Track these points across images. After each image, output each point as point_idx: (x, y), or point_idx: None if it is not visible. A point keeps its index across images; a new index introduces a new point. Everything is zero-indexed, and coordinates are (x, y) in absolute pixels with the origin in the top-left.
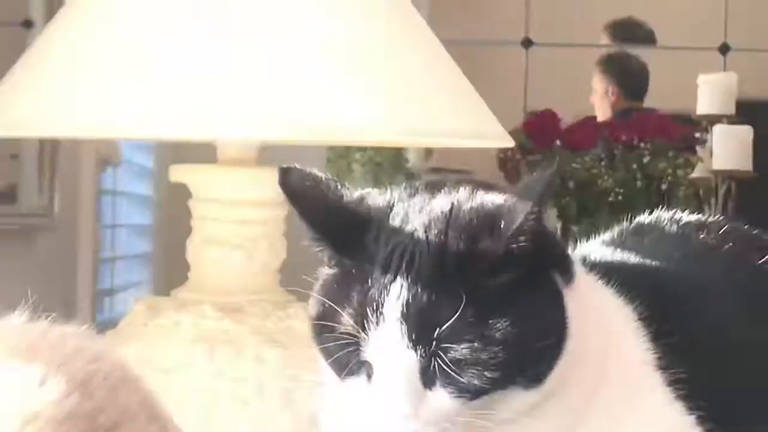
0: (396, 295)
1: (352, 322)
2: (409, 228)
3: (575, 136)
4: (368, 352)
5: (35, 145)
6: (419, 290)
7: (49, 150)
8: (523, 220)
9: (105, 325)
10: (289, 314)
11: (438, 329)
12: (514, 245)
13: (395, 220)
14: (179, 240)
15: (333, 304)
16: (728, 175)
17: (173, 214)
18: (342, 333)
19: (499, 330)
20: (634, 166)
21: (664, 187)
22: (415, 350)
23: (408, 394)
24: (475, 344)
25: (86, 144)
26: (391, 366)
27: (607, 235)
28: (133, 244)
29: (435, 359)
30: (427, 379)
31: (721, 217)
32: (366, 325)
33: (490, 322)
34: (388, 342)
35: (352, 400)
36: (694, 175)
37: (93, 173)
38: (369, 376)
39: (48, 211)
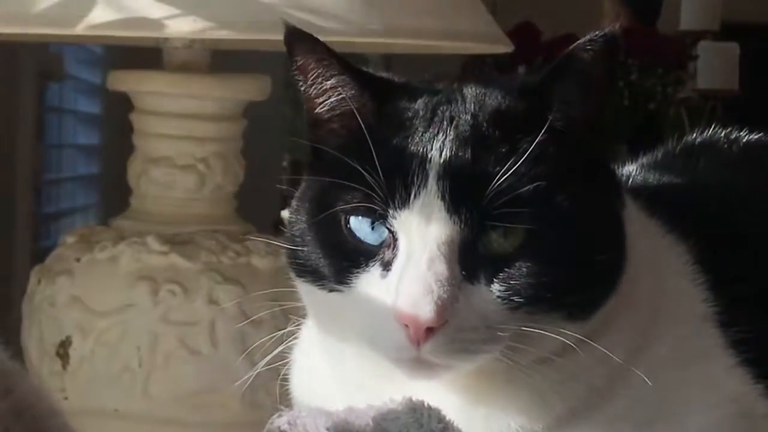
0: (438, 150)
1: (376, 184)
2: (449, 94)
3: (557, 51)
4: (397, 223)
5: None
6: (466, 145)
7: None
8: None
9: (48, 253)
10: (247, 248)
11: (489, 186)
12: (558, 85)
13: (433, 92)
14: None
15: (350, 165)
16: (713, 95)
17: (122, 131)
18: (358, 204)
19: (561, 206)
20: (621, 83)
21: (651, 107)
22: (459, 214)
23: (443, 279)
24: (533, 212)
25: (24, 54)
26: (424, 239)
27: (648, 158)
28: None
29: (482, 235)
30: (470, 264)
31: None
32: (398, 188)
33: (548, 189)
34: (425, 208)
35: (357, 307)
36: (679, 95)
37: (33, 87)
38: (386, 267)
39: None
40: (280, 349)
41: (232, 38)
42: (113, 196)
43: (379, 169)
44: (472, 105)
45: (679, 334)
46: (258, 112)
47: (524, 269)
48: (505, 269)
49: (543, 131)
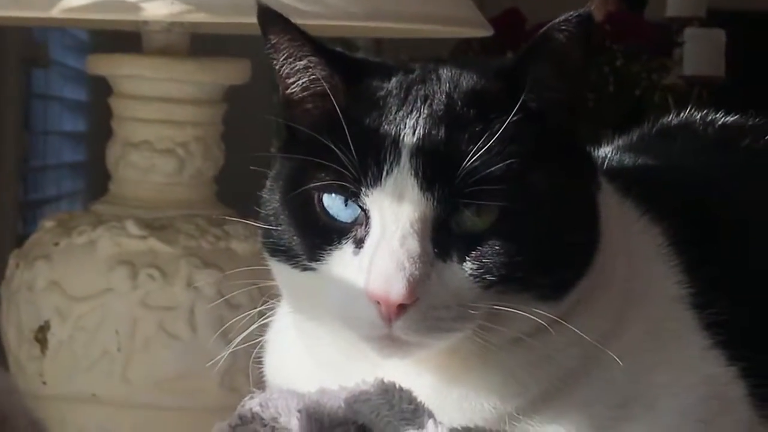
0: (411, 129)
1: (348, 162)
2: (424, 74)
3: None
4: (370, 201)
5: None
6: (440, 124)
7: None
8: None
9: None
10: (227, 233)
11: (462, 164)
12: (532, 65)
13: (408, 72)
14: None
15: (323, 143)
16: (699, 81)
17: (108, 118)
18: (331, 181)
19: (534, 185)
20: (607, 69)
21: (637, 93)
22: (432, 192)
23: (415, 257)
24: (506, 190)
25: (8, 40)
26: (397, 217)
27: (624, 140)
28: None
29: (455, 213)
30: (442, 242)
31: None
32: (371, 166)
33: (522, 168)
34: (398, 185)
35: (330, 284)
36: (665, 81)
37: (17, 73)
38: (359, 244)
39: None
40: (253, 328)
41: (210, 21)
42: (99, 183)
43: (351, 146)
44: (447, 84)
45: (653, 316)
46: (245, 97)
47: (496, 247)
48: (478, 247)
49: (516, 110)
